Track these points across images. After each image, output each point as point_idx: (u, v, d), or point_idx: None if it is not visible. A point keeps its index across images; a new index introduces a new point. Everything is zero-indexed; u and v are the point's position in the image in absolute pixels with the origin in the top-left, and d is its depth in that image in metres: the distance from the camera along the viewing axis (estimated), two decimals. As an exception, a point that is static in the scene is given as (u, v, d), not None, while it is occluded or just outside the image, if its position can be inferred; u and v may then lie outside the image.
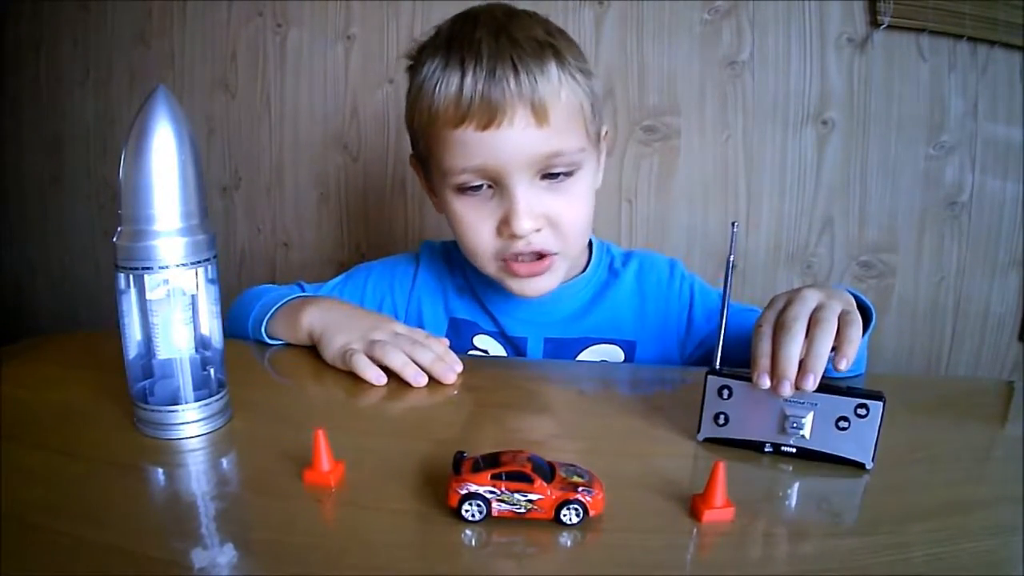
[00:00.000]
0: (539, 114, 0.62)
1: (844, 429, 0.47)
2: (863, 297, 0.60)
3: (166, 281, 0.47)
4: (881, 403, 0.46)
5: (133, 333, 0.50)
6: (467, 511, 0.38)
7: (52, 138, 1.37)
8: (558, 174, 0.66)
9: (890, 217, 1.07)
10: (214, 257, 0.50)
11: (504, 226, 0.66)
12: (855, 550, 0.37)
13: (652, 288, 0.79)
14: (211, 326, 0.52)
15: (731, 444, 0.50)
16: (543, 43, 0.65)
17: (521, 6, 0.70)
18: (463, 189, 0.67)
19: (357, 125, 1.20)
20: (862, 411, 0.47)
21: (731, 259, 0.49)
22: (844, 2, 1.01)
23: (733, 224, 0.49)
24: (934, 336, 1.10)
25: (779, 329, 0.49)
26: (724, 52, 1.06)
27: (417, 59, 0.70)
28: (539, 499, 0.38)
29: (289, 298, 0.73)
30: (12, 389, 0.58)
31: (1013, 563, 0.37)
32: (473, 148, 0.64)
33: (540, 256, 0.68)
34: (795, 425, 0.48)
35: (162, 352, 0.50)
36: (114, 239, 0.47)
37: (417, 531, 0.39)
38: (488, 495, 0.38)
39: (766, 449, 0.49)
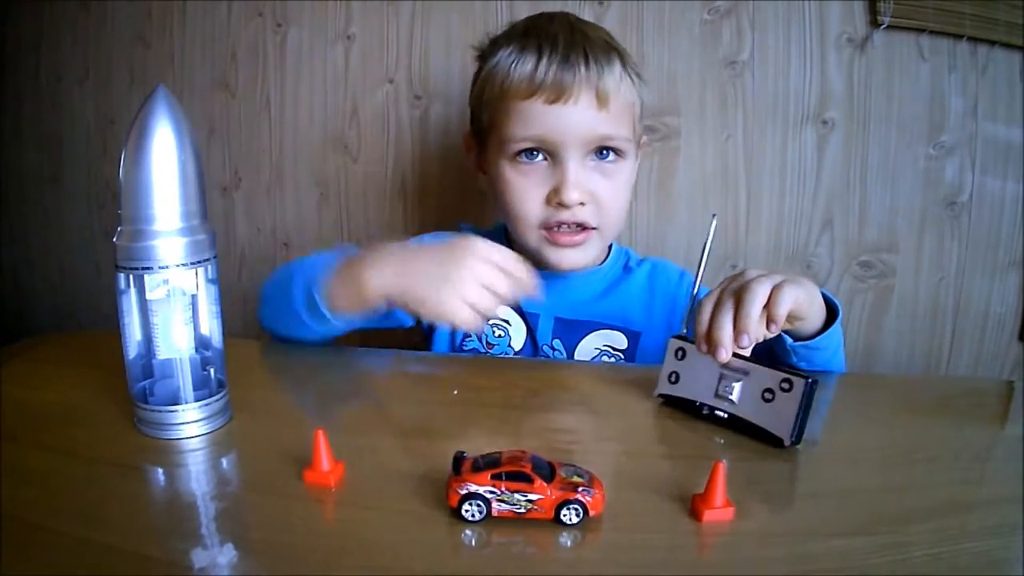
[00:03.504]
0: (601, 99, 0.70)
1: (768, 401, 0.49)
2: (831, 295, 0.65)
3: (166, 281, 0.47)
4: (805, 381, 0.48)
5: (133, 333, 0.50)
6: (467, 511, 0.38)
7: (52, 137, 1.36)
8: (607, 154, 0.73)
9: (890, 217, 1.07)
10: (214, 257, 0.50)
11: (553, 195, 0.72)
12: (855, 550, 0.37)
13: (662, 287, 0.85)
14: (211, 326, 0.52)
15: (679, 403, 0.55)
16: (611, 46, 0.74)
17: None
18: (518, 157, 0.73)
19: (357, 125, 1.20)
20: (786, 385, 0.49)
21: (707, 246, 0.57)
22: (844, 2, 1.01)
23: (713, 216, 0.58)
24: (934, 336, 1.10)
25: (717, 302, 0.56)
26: (724, 52, 1.06)
27: (490, 48, 0.78)
28: (539, 499, 0.38)
29: (340, 259, 0.65)
30: (12, 389, 0.58)
31: (1013, 563, 0.37)
32: (538, 119, 0.71)
33: (581, 229, 0.74)
34: (727, 389, 0.52)
35: (162, 352, 0.50)
36: (114, 239, 0.47)
37: (417, 531, 0.39)
38: (488, 495, 0.38)
39: (704, 411, 0.53)
